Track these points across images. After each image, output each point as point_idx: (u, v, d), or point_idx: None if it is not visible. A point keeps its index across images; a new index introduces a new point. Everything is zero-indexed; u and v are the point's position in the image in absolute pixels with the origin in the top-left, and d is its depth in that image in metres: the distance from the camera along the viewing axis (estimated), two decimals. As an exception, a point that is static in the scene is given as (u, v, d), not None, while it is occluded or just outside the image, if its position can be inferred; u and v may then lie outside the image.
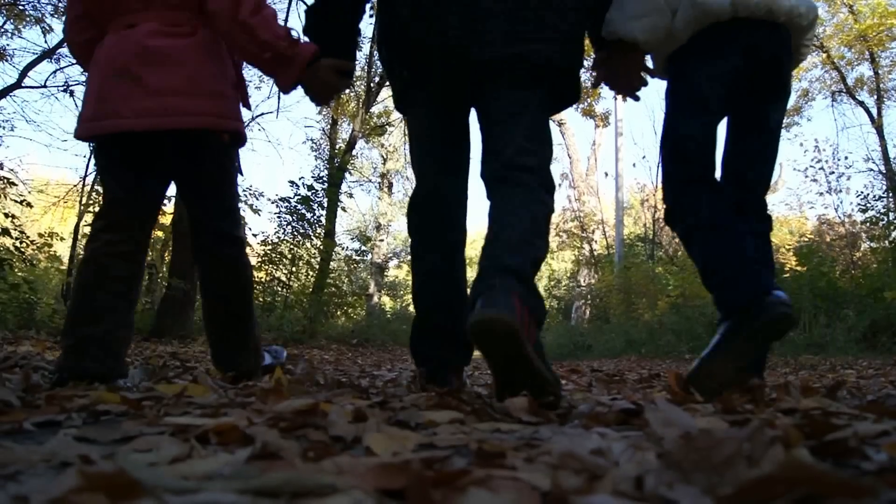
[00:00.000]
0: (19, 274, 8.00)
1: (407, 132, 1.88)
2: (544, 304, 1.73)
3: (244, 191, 11.03)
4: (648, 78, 2.11)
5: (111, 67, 1.96)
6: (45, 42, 10.68)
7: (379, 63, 8.62)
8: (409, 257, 2.08)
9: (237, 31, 1.96)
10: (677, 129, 2.00)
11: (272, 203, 12.59)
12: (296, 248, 12.90)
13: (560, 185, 23.66)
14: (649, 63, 2.13)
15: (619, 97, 14.57)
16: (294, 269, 12.90)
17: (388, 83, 11.63)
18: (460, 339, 1.88)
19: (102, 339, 1.94)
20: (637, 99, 2.20)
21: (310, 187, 12.96)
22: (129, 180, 2.09)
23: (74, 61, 9.11)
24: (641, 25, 1.86)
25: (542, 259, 1.72)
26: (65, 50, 10.82)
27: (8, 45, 10.50)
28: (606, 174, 19.43)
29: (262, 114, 15.37)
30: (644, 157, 19.96)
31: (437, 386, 1.73)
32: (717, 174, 2.04)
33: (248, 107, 2.29)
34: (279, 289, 12.65)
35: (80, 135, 2.09)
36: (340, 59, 2.02)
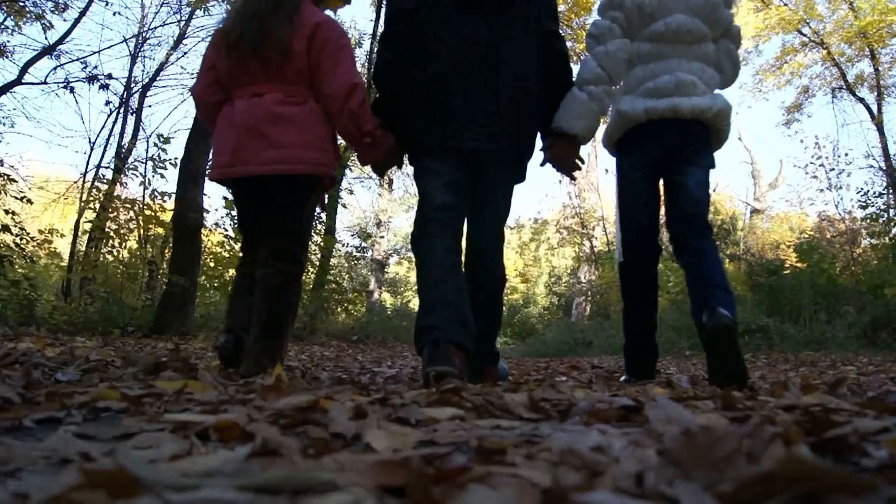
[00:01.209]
0: (20, 270, 8.00)
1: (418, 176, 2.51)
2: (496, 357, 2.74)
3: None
4: (581, 164, 2.77)
5: (245, 126, 2.52)
6: (46, 38, 10.64)
7: None
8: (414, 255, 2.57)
9: (345, 116, 2.56)
10: (622, 206, 2.85)
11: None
12: (296, 246, 12.87)
13: (560, 181, 23.72)
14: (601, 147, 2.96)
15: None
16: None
17: None
18: (467, 321, 2.28)
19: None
20: (573, 179, 3.07)
21: (310, 184, 12.93)
22: (252, 210, 2.71)
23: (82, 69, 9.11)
24: (581, 124, 2.57)
25: (498, 320, 2.79)
26: (65, 46, 10.85)
27: (8, 41, 10.48)
28: (607, 170, 19.42)
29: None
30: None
31: (440, 364, 2.08)
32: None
33: (339, 158, 2.86)
34: (279, 286, 12.63)
35: (216, 177, 2.65)
36: (399, 145, 2.72)
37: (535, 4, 2.62)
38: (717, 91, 2.77)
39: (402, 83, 2.60)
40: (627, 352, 2.85)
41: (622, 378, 2.78)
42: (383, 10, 14.48)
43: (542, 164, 2.79)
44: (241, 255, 2.89)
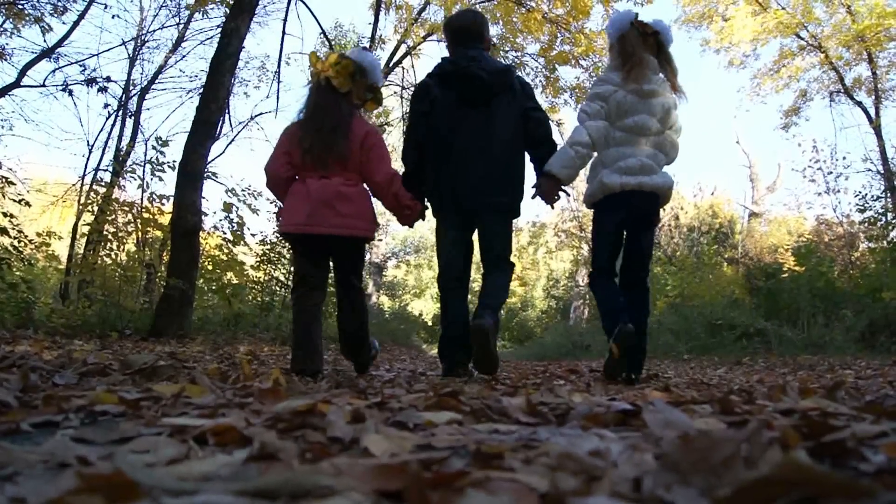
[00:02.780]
0: (17, 273, 7.99)
1: (436, 231, 3.85)
2: (499, 321, 3.60)
3: (243, 190, 11.03)
4: (569, 190, 3.93)
5: (319, 199, 3.38)
6: (45, 41, 10.64)
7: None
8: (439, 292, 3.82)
9: (390, 195, 3.58)
10: (595, 246, 3.84)
11: (270, 203, 12.60)
12: (294, 248, 12.88)
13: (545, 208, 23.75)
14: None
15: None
16: (292, 268, 12.88)
17: (386, 84, 12.47)
18: (467, 344, 3.43)
19: (315, 349, 3.49)
20: (552, 206, 3.90)
21: (308, 187, 12.94)
22: (314, 262, 3.60)
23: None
24: (565, 172, 3.57)
25: (505, 299, 3.81)
26: (63, 49, 10.87)
27: (7, 44, 10.49)
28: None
29: (262, 113, 15.36)
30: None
31: (454, 376, 3.39)
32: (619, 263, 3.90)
33: (378, 225, 3.73)
34: (277, 288, 12.63)
35: (292, 232, 3.47)
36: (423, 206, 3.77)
37: (515, 93, 3.61)
38: (664, 169, 3.72)
39: (424, 161, 3.67)
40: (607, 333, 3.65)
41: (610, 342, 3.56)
42: (380, 13, 14.52)
43: (533, 197, 3.76)
44: (294, 288, 3.75)
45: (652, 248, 3.88)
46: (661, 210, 3.88)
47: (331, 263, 3.71)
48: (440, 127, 3.56)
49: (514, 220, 3.90)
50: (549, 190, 3.65)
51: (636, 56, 3.58)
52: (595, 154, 3.70)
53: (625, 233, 3.75)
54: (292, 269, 4.28)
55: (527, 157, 3.71)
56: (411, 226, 3.88)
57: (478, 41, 3.70)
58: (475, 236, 3.77)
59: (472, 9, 4.24)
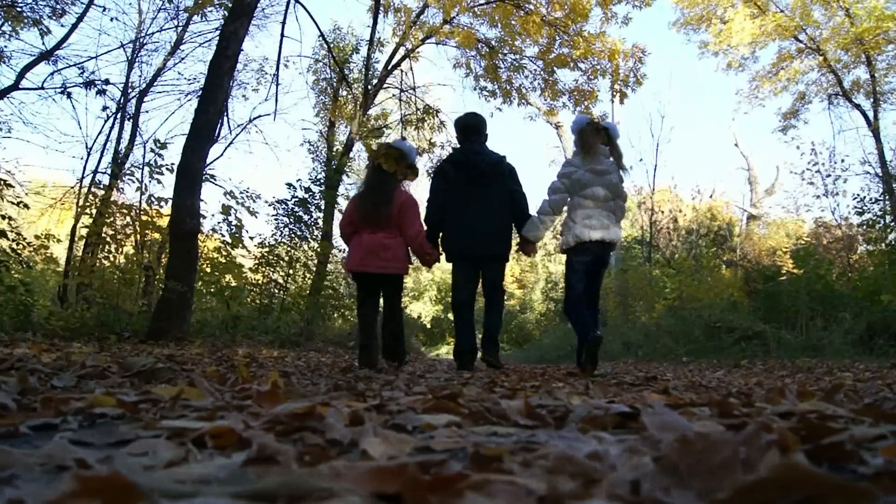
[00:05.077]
0: (16, 276, 7.98)
1: (452, 271, 5.34)
2: (498, 345, 5.20)
3: (241, 193, 11.03)
4: (545, 241, 5.98)
5: (369, 248, 4.72)
6: (43, 44, 10.62)
7: (376, 66, 10.29)
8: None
9: (416, 245, 4.85)
10: (570, 280, 5.01)
11: (269, 205, 12.61)
12: (293, 251, 12.89)
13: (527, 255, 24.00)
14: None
15: (617, 98, 14.73)
16: (291, 271, 12.89)
17: (384, 87, 12.74)
18: (474, 350, 5.08)
19: (371, 349, 4.88)
20: (531, 256, 5.72)
21: (307, 189, 12.96)
22: (368, 290, 4.97)
23: (71, 79, 9.11)
24: (534, 234, 5.05)
25: (501, 324, 5.34)
26: (62, 51, 10.88)
27: (6, 46, 10.49)
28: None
29: (260, 116, 15.34)
30: (641, 159, 19.92)
31: (466, 370, 4.75)
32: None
33: (410, 264, 5.06)
34: (276, 291, 12.64)
35: (350, 269, 4.95)
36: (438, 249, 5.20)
37: (505, 177, 5.12)
38: (616, 227, 5.07)
39: (443, 223, 5.12)
40: (579, 346, 5.13)
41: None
42: (379, 16, 14.55)
43: (517, 252, 5.54)
44: (358, 308, 5.16)
45: (603, 279, 5.44)
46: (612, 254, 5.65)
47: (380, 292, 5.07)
48: (454, 199, 5.06)
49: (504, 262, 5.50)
50: (526, 248, 5.31)
51: (591, 146, 4.94)
52: (558, 217, 5.20)
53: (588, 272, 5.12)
54: (356, 293, 5.80)
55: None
56: (430, 267, 5.41)
57: (479, 135, 5.24)
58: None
59: (475, 112, 5.54)
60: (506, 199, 5.08)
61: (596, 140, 4.94)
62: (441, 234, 5.14)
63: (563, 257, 5.18)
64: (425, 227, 4.97)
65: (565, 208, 5.08)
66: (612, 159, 5.00)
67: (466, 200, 5.00)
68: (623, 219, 5.20)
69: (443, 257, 5.20)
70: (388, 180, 4.81)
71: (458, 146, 5.44)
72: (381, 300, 5.11)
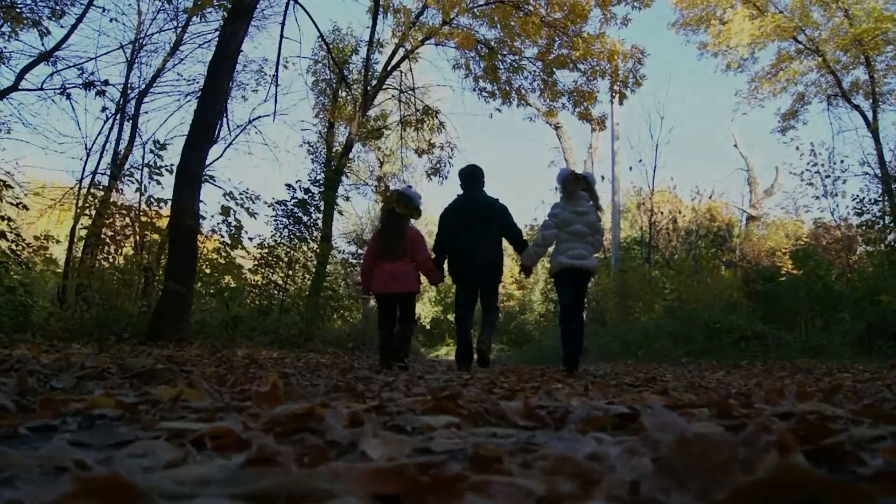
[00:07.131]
0: (15, 277, 7.98)
1: (455, 292, 6.79)
2: (491, 338, 6.68)
3: (241, 193, 11.01)
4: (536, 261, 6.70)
5: (390, 275, 5.92)
6: (43, 45, 10.62)
7: (375, 67, 10.50)
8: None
9: (425, 269, 6.17)
10: (559, 296, 6.22)
11: (269, 206, 12.59)
12: (292, 252, 12.89)
13: (556, 188, 23.92)
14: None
15: (616, 99, 14.72)
16: (290, 272, 12.89)
17: (383, 88, 12.86)
18: (471, 354, 6.37)
19: (393, 351, 5.97)
20: (528, 277, 7.89)
21: (306, 190, 12.96)
22: (388, 307, 6.15)
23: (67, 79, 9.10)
24: (529, 261, 6.40)
25: (495, 325, 6.88)
26: (61, 52, 10.88)
27: (5, 47, 10.48)
28: (603, 178, 19.41)
29: (259, 117, 15.33)
30: (640, 160, 19.95)
31: (465, 370, 5.72)
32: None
33: (420, 284, 6.32)
34: (275, 292, 12.64)
35: (376, 292, 6.13)
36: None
37: (498, 216, 6.40)
38: (594, 256, 6.18)
39: (447, 254, 6.38)
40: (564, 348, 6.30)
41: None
42: (378, 17, 14.55)
43: (518, 273, 7.82)
44: (380, 323, 6.24)
45: (584, 298, 6.65)
46: (591, 279, 7.46)
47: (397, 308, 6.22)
48: (457, 235, 6.29)
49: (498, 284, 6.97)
50: (526, 271, 6.61)
51: (573, 192, 6.06)
52: (550, 248, 6.22)
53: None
54: (377, 309, 6.73)
55: (506, 247, 6.72)
56: (436, 285, 6.79)
57: (478, 182, 6.54)
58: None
59: (474, 164, 6.83)
60: (499, 233, 6.48)
61: (576, 187, 6.12)
62: (446, 262, 6.43)
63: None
64: (433, 255, 6.32)
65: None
66: (591, 203, 6.16)
67: (466, 236, 6.26)
68: (601, 248, 7.18)
69: (448, 279, 6.59)
70: (402, 220, 6.09)
71: (461, 192, 6.61)
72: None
